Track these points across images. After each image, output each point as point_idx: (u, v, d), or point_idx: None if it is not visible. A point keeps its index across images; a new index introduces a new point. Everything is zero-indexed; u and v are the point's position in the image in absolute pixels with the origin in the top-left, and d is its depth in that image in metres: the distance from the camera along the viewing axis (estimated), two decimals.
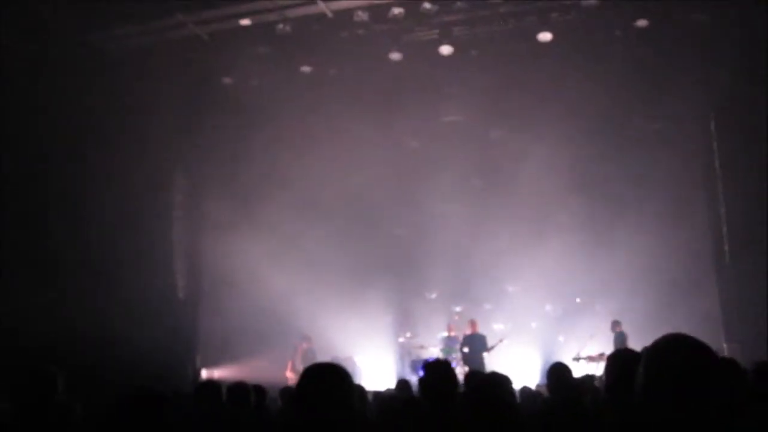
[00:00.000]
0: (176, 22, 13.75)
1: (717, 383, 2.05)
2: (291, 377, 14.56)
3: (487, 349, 14.90)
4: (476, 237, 16.51)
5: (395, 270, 17.56)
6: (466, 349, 14.83)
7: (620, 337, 14.13)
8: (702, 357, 2.10)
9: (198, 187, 17.49)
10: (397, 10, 13.62)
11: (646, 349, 2.22)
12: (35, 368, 4.65)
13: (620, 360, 3.87)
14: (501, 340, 15.01)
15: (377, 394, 8.97)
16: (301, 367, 12.32)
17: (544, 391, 7.99)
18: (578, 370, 11.08)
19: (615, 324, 14.54)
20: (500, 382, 4.07)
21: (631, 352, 4.36)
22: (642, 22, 13.64)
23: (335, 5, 13.48)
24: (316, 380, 2.80)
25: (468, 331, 15.29)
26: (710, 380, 2.05)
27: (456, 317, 17.05)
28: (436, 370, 4.14)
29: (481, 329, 15.34)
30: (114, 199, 13.47)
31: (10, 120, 11.82)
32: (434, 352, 16.01)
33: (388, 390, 10.37)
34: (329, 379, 2.79)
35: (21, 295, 11.59)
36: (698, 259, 15.49)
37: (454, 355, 15.28)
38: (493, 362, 14.85)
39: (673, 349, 2.15)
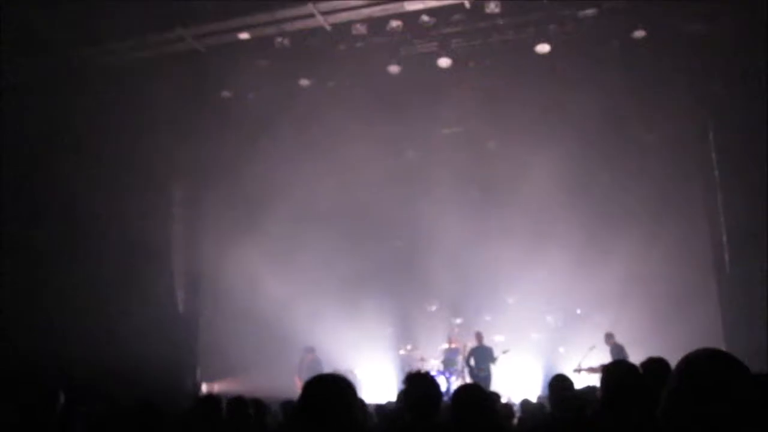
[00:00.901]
0: (175, 35, 13.78)
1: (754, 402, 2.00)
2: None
3: (494, 361, 14.86)
4: (475, 248, 16.51)
5: (395, 282, 17.56)
6: (472, 362, 14.79)
7: (616, 350, 14.04)
8: (742, 375, 2.05)
9: (197, 200, 17.50)
10: (395, 23, 13.66)
11: (681, 365, 2.16)
12: (38, 385, 4.68)
13: (615, 373, 3.86)
14: (505, 352, 14.97)
15: (378, 407, 8.94)
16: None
17: (546, 403, 7.97)
18: (579, 382, 11.06)
19: (608, 337, 14.40)
20: (478, 395, 4.03)
21: (627, 364, 4.34)
22: (639, 33, 13.67)
23: (333, 18, 13.51)
24: (318, 392, 2.77)
25: (474, 344, 15.26)
26: (749, 399, 2.00)
27: (456, 329, 17.04)
28: (419, 384, 4.08)
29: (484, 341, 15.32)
30: (113, 213, 13.47)
31: (10, 130, 11.85)
32: (435, 364, 15.98)
33: (389, 402, 10.34)
34: (332, 391, 2.76)
35: (19, 308, 11.58)
36: (698, 267, 15.47)
37: (454, 368, 15.25)
38: (494, 374, 14.84)
39: (712, 366, 2.09)
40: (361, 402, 6.34)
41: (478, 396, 4.03)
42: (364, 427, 5.10)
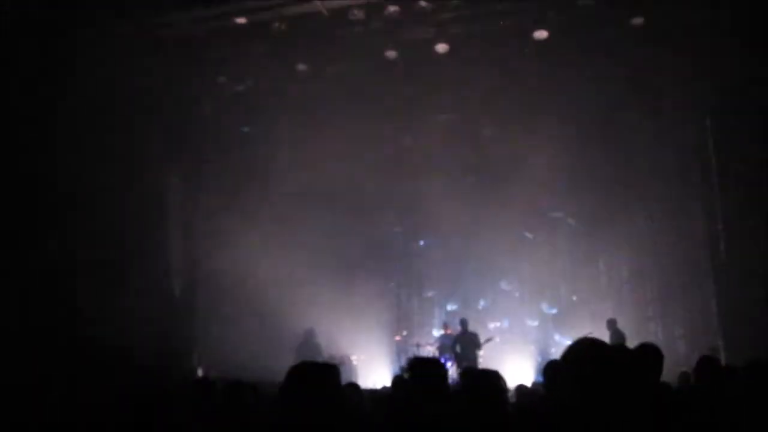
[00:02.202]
0: (171, 20, 13.70)
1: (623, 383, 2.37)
2: None
3: (479, 347, 14.87)
4: (471, 235, 16.53)
5: (391, 268, 17.58)
6: (458, 349, 14.81)
7: (616, 336, 14.12)
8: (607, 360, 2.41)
9: (194, 186, 17.45)
10: (392, 8, 13.58)
11: (565, 354, 2.51)
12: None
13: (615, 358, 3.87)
14: (489, 339, 14.97)
15: (373, 393, 8.97)
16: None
17: (540, 390, 7.99)
18: None
19: (610, 323, 14.51)
20: (494, 379, 3.99)
21: (626, 349, 4.37)
22: (638, 20, 13.62)
23: (331, 3, 13.44)
24: (298, 380, 2.78)
25: (459, 331, 15.28)
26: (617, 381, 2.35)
27: (451, 315, 17.10)
28: (425, 370, 4.01)
29: (476, 328, 15.32)
30: (109, 199, 13.42)
31: (6, 121, 11.79)
32: (430, 350, 16.04)
33: (384, 388, 10.38)
34: (312, 379, 2.76)
35: (16, 296, 11.55)
36: (694, 257, 15.50)
37: (449, 354, 15.29)
38: (488, 360, 14.86)
39: (584, 354, 2.45)
40: (354, 388, 6.36)
41: (490, 381, 3.98)
42: (353, 413, 5.11)
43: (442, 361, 14.97)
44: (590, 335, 10.82)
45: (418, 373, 3.98)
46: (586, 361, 2.39)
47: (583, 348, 2.49)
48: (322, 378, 2.78)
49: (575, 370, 2.40)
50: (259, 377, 8.71)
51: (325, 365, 2.88)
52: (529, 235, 16.81)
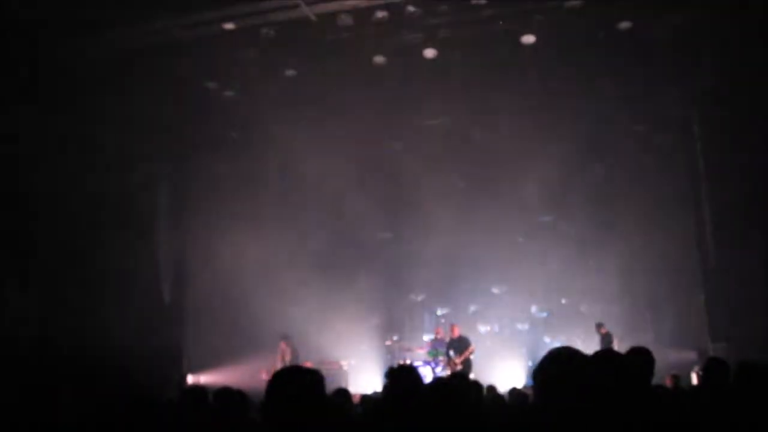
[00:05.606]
0: (159, 26, 13.66)
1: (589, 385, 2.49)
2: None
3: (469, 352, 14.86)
4: (461, 239, 16.56)
5: (381, 273, 17.58)
6: (451, 353, 14.82)
7: (606, 339, 14.19)
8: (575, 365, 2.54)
9: (183, 192, 17.42)
10: (380, 14, 13.58)
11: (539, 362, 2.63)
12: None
13: (602, 362, 3.90)
14: (471, 351, 14.85)
15: (364, 397, 8.97)
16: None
17: (529, 393, 8.01)
18: None
19: (599, 326, 14.58)
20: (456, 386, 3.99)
21: (614, 353, 4.39)
22: (625, 24, 13.67)
23: (319, 9, 13.43)
24: (279, 386, 2.77)
25: (450, 336, 15.27)
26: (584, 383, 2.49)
27: (442, 320, 17.14)
28: (401, 378, 4.02)
29: (467, 331, 15.33)
30: (98, 204, 13.39)
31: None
32: (421, 354, 16.06)
33: (375, 393, 10.38)
34: (294, 385, 2.75)
35: (6, 303, 11.52)
36: (684, 259, 15.59)
37: (440, 358, 15.31)
38: (479, 364, 14.88)
39: (551, 361, 2.59)
40: (345, 393, 6.37)
41: (450, 389, 3.98)
42: (342, 418, 5.11)
43: (432, 365, 15.01)
44: (580, 338, 10.90)
45: (393, 383, 3.99)
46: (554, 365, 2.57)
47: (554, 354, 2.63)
48: (306, 383, 2.78)
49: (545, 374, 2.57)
50: (247, 382, 8.70)
51: (307, 371, 2.87)
52: (519, 238, 16.87)
